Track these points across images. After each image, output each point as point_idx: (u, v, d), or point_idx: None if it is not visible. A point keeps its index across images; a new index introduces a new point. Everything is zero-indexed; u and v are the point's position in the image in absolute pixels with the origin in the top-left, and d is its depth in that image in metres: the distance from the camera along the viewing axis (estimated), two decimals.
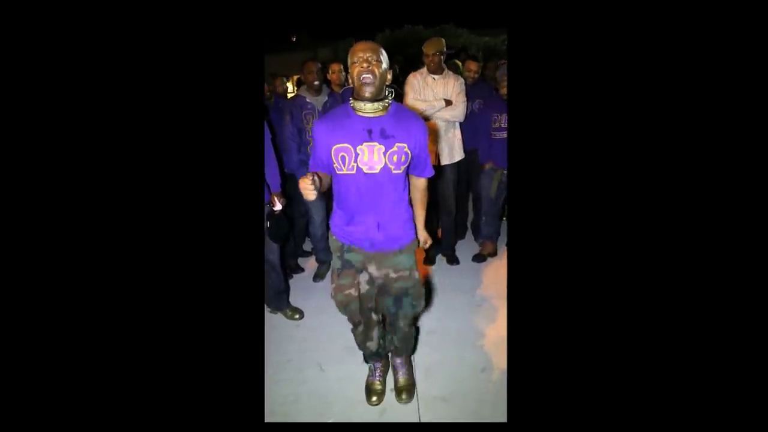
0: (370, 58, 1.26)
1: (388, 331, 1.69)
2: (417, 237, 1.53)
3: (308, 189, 1.23)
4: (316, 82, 2.41)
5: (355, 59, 1.27)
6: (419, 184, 1.51)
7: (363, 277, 1.49)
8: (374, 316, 1.59)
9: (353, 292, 1.48)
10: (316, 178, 1.25)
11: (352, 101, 1.33)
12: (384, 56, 1.29)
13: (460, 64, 3.05)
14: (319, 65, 2.46)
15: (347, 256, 1.46)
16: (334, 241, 1.49)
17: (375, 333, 1.62)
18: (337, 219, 1.47)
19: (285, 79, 3.27)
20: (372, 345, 1.64)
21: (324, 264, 2.74)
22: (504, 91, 2.54)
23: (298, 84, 3.48)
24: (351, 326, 1.62)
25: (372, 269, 1.47)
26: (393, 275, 1.47)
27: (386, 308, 1.57)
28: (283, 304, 2.27)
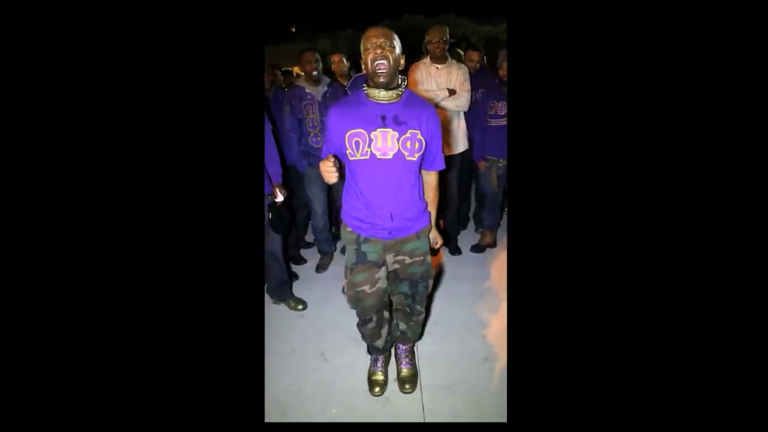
0: (383, 44, 1.24)
1: (395, 318, 1.67)
2: (430, 223, 1.51)
3: (330, 170, 1.23)
4: (315, 72, 2.39)
5: (369, 45, 1.25)
6: (431, 180, 1.49)
7: (381, 273, 1.47)
8: (386, 314, 1.59)
9: (367, 289, 1.46)
10: (336, 160, 1.24)
11: (366, 87, 1.31)
12: (397, 42, 1.28)
13: (462, 52, 3.02)
14: (317, 55, 2.43)
15: (364, 247, 1.43)
16: (348, 233, 1.45)
17: (385, 330, 1.62)
18: (349, 208, 1.43)
19: (280, 72, 3.24)
20: (380, 342, 1.65)
21: (326, 255, 2.74)
22: (503, 72, 2.49)
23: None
24: (359, 321, 1.60)
25: (389, 258, 1.47)
26: (409, 261, 1.47)
27: (400, 294, 1.56)
28: (286, 294, 2.28)
